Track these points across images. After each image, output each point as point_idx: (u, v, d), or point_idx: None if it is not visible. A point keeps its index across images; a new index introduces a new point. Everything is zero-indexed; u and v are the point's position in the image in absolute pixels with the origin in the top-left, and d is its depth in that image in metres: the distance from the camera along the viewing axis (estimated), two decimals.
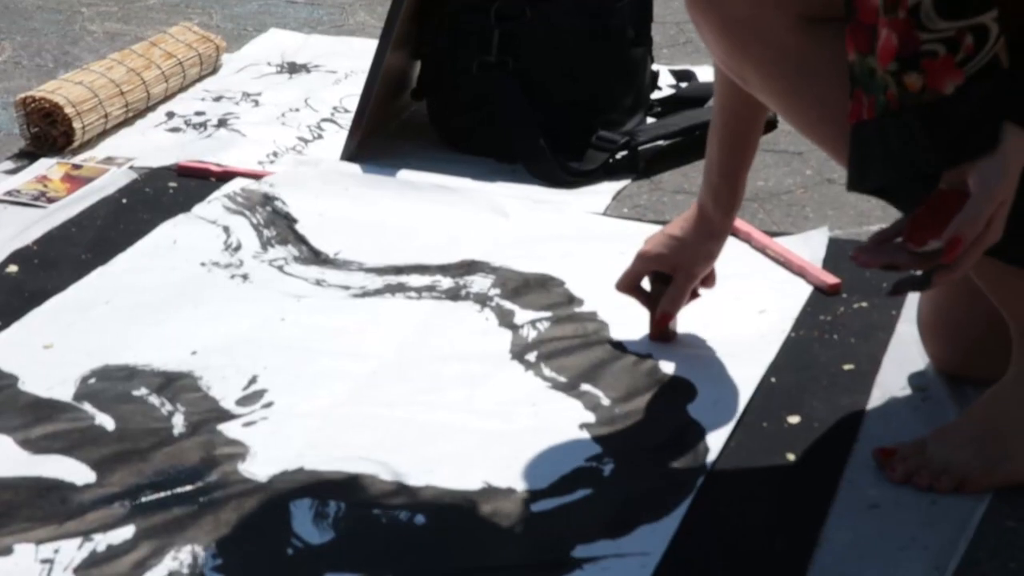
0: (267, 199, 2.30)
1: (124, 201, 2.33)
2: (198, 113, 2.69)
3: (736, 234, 2.16)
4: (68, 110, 2.47)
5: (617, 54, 2.51)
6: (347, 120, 2.56)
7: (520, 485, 1.63)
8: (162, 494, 1.61)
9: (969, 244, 1.44)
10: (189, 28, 2.88)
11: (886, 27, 1.42)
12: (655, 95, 2.66)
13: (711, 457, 1.68)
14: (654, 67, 2.64)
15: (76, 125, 2.48)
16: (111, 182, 2.38)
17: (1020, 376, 1.64)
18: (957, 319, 1.79)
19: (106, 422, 1.75)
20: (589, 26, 2.47)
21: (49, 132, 2.50)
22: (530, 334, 1.94)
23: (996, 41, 1.41)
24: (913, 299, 1.92)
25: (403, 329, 1.95)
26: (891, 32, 1.42)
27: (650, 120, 2.59)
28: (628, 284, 1.90)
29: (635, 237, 1.95)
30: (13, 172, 2.43)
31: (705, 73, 2.77)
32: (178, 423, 1.74)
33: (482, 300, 2.02)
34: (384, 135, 2.57)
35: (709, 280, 1.91)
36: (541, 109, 2.45)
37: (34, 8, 3.26)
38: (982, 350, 1.75)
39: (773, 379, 1.83)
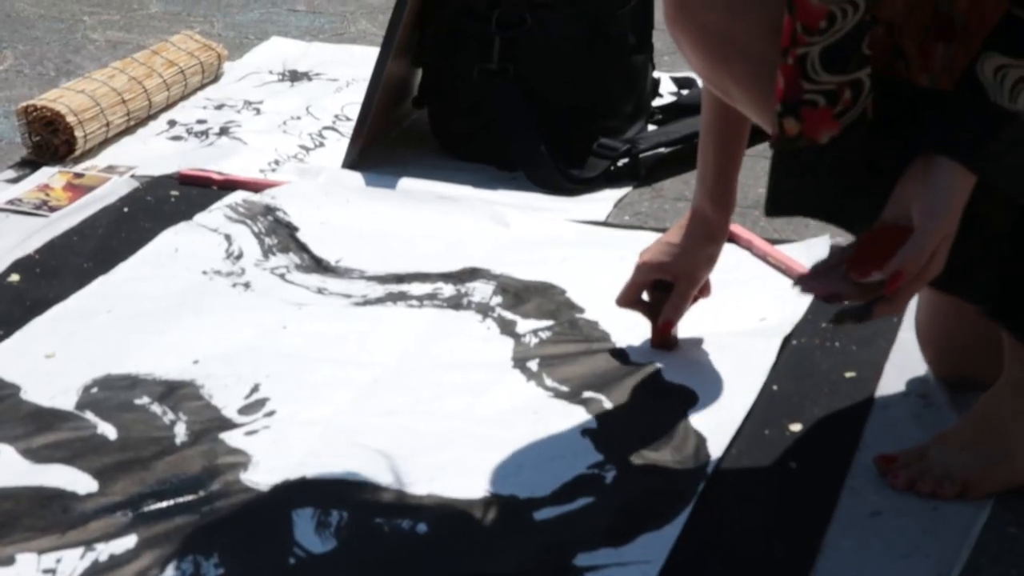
0: (268, 209, 2.30)
1: (125, 210, 2.33)
2: (200, 121, 2.69)
3: (737, 241, 2.17)
4: (70, 119, 2.47)
5: (618, 61, 2.51)
6: (348, 128, 2.56)
7: (522, 493, 1.63)
8: (164, 503, 1.61)
9: (911, 277, 1.45)
10: (191, 36, 2.88)
11: (780, 69, 1.46)
12: (656, 102, 2.66)
13: (712, 464, 1.68)
14: (655, 74, 2.64)
15: (78, 134, 2.48)
16: (113, 191, 2.38)
17: (1012, 379, 1.64)
18: (952, 325, 1.79)
19: (108, 431, 1.75)
20: (590, 33, 2.47)
21: (51, 141, 2.50)
22: (531, 342, 1.94)
23: (868, 95, 1.46)
24: (915, 305, 1.91)
25: (404, 337, 1.95)
26: (781, 75, 1.46)
27: (651, 127, 2.59)
28: (630, 298, 1.90)
29: (636, 244, 1.95)
30: (15, 181, 2.43)
31: None
32: (180, 432, 1.74)
33: (484, 309, 2.02)
34: (385, 143, 2.57)
35: (705, 289, 1.91)
36: (541, 116, 2.45)
37: (36, 17, 3.27)
38: (977, 355, 1.76)
39: (774, 386, 1.83)
